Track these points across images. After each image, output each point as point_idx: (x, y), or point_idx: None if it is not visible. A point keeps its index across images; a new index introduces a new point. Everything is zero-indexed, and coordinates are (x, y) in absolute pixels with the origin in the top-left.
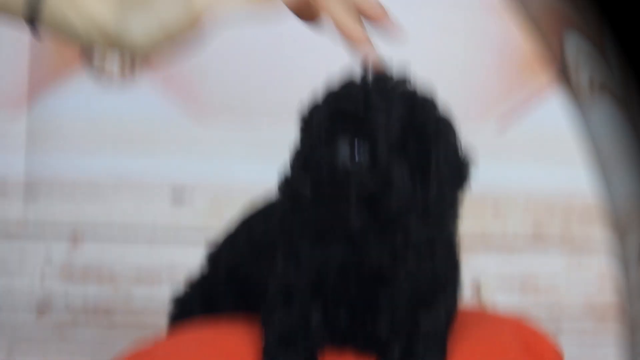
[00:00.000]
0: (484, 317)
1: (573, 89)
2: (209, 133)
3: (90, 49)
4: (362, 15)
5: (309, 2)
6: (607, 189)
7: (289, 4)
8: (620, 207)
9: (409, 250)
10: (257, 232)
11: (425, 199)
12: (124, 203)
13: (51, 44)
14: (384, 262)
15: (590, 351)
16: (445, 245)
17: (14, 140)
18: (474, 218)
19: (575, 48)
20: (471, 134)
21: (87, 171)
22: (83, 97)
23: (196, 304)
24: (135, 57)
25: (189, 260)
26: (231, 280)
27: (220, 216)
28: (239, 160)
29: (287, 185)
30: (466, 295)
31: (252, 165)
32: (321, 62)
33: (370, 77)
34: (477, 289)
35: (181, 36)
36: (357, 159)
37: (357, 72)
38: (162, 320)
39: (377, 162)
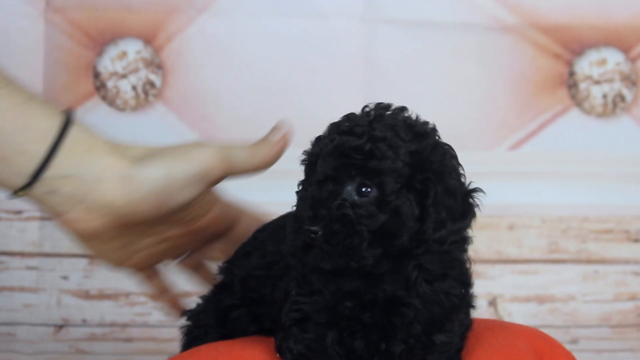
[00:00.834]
0: (500, 327)
1: (587, 107)
2: None
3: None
4: None
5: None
6: (622, 202)
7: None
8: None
9: (422, 280)
10: (270, 251)
11: (418, 235)
12: None
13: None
14: (397, 292)
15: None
16: (457, 268)
17: None
18: (490, 238)
19: (588, 66)
20: (485, 155)
21: None
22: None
23: (210, 317)
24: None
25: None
26: (245, 295)
27: None
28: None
29: (296, 222)
30: (483, 310)
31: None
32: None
33: (372, 109)
34: (494, 303)
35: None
36: (364, 192)
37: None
38: (178, 334)
39: (385, 195)
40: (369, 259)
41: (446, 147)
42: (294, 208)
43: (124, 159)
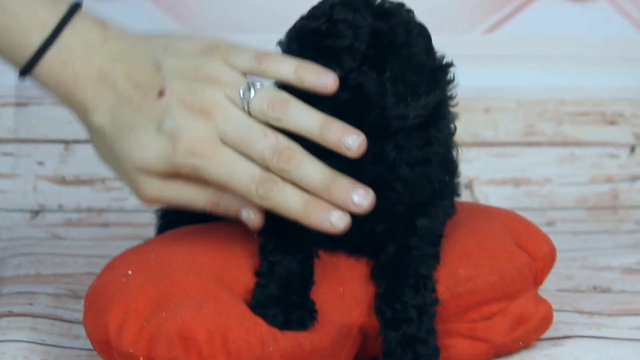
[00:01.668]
0: (476, 209)
1: None
2: None
3: None
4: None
5: None
6: (597, 85)
7: None
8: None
9: (403, 162)
10: None
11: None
12: None
13: None
14: (381, 175)
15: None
16: (440, 151)
17: None
18: (465, 121)
19: None
20: (460, 38)
21: None
22: None
23: None
24: None
25: None
26: None
27: None
28: None
29: None
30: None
31: None
32: None
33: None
34: (470, 186)
35: None
36: None
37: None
38: (154, 219)
39: (345, 74)
40: None
41: (416, 24)
42: None
43: None
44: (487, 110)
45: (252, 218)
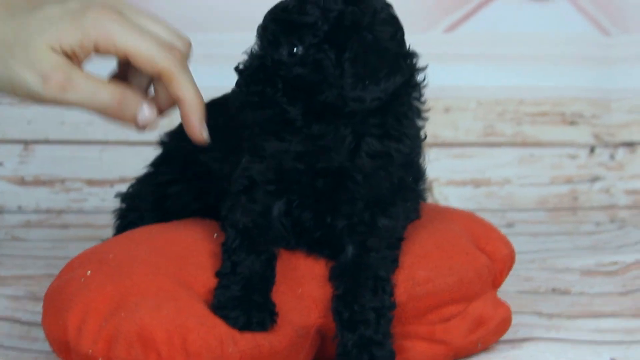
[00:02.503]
0: (435, 211)
1: None
2: None
3: None
4: None
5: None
6: (557, 85)
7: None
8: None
9: (362, 151)
10: (216, 121)
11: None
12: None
13: None
14: (342, 162)
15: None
16: (403, 150)
17: None
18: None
19: None
20: (420, 37)
21: None
22: None
23: (146, 200)
24: None
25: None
26: (188, 169)
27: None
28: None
29: (236, 84)
30: None
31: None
32: None
33: None
34: (430, 187)
35: None
36: (294, 53)
37: None
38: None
39: (306, 49)
40: (292, 112)
41: (386, 13)
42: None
43: None
44: (447, 110)
45: (152, 113)
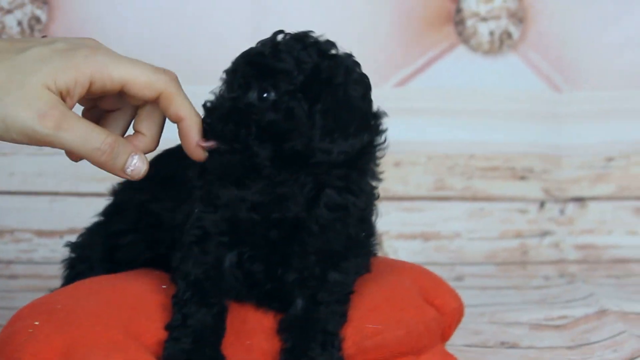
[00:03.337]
0: (384, 264)
1: (474, 44)
2: None
3: None
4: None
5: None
6: (508, 140)
7: None
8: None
9: (322, 205)
10: (168, 171)
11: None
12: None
13: None
14: (299, 212)
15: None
16: (359, 205)
17: None
18: None
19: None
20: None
21: None
22: None
23: (96, 250)
24: None
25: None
26: (140, 220)
27: None
28: None
29: (206, 122)
30: None
31: None
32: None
33: (285, 33)
34: (380, 240)
35: None
36: (264, 98)
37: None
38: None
39: (279, 96)
40: (260, 156)
41: (357, 72)
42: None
43: None
44: (397, 164)
45: (142, 164)
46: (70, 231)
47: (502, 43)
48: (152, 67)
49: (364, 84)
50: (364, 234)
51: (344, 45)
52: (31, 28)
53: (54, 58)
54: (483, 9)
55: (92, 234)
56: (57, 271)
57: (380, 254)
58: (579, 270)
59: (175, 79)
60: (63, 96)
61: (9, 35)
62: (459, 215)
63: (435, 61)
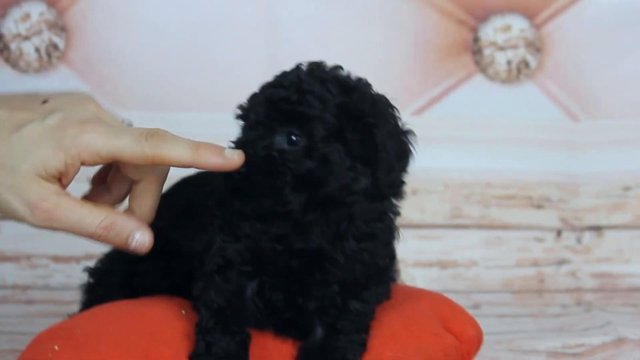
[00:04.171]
0: (402, 292)
1: (491, 73)
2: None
3: None
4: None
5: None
6: (525, 168)
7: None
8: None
9: (350, 237)
10: (187, 199)
11: (372, 182)
12: None
13: None
14: (323, 245)
15: (509, 324)
16: (385, 235)
17: None
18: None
19: (493, 32)
20: None
21: None
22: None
23: (115, 276)
24: None
25: None
26: (158, 247)
27: None
28: None
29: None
30: None
31: None
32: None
33: (305, 66)
34: (398, 265)
35: None
36: (294, 141)
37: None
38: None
39: (314, 143)
40: (294, 204)
41: (378, 96)
42: None
43: None
44: (414, 192)
45: (145, 239)
46: (87, 257)
47: (519, 72)
48: (136, 137)
49: (388, 105)
50: (387, 260)
51: (361, 74)
52: (49, 55)
53: (44, 141)
54: (500, 39)
55: (111, 260)
56: (73, 297)
57: (398, 281)
58: (596, 299)
59: (163, 133)
60: (57, 178)
61: (26, 62)
62: (475, 243)
63: (453, 90)
